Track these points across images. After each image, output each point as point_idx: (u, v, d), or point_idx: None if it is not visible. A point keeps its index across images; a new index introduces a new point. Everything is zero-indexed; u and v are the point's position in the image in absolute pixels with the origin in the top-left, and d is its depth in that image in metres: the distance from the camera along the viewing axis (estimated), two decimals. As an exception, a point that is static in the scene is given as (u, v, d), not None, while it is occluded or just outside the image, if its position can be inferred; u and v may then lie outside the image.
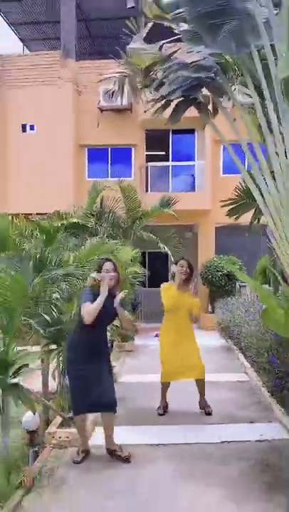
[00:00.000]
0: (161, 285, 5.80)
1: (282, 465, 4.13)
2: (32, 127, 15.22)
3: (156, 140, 15.40)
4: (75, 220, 6.20)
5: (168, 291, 5.68)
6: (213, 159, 14.89)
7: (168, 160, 15.76)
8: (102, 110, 15.23)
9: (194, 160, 15.59)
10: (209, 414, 5.63)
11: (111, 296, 4.30)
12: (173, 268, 5.86)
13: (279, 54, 4.14)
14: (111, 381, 4.49)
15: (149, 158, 15.76)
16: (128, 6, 15.41)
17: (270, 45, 4.28)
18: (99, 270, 4.36)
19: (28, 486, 3.85)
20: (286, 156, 4.22)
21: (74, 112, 15.22)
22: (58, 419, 5.16)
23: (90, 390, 4.27)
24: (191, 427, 5.25)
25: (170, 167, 15.67)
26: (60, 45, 16.25)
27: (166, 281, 6.82)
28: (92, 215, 11.55)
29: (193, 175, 16.00)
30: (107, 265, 4.36)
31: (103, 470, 4.21)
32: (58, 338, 5.21)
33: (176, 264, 5.81)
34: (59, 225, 5.83)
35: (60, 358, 5.46)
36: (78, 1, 16.09)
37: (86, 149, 15.77)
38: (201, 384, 5.72)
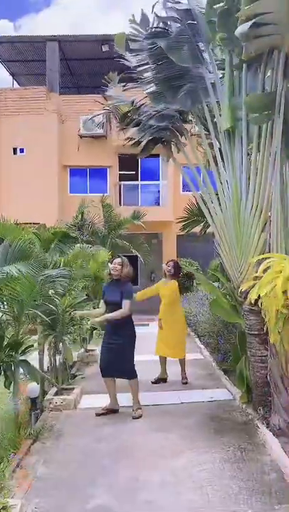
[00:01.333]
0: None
1: (225, 417, 4.80)
2: (22, 150, 15.58)
3: (127, 162, 16.00)
4: (65, 231, 6.71)
5: (158, 288, 6.33)
6: (175, 179, 15.63)
7: (138, 179, 16.42)
8: (81, 137, 15.73)
9: (159, 180, 16.31)
10: (185, 383, 6.19)
11: (118, 283, 4.97)
12: (163, 266, 6.44)
13: (222, 109, 4.80)
14: (127, 354, 4.94)
15: (122, 177, 16.37)
16: (103, 50, 16.03)
17: (217, 101, 4.97)
18: (111, 262, 5.13)
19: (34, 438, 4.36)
20: (227, 185, 4.88)
21: (58, 137, 15.66)
22: (54, 389, 5.66)
23: (110, 360, 4.89)
24: (161, 393, 5.85)
25: (139, 185, 16.35)
26: (45, 80, 16.69)
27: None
28: (75, 225, 12.06)
29: (158, 191, 16.72)
30: (115, 260, 5.05)
31: (93, 425, 4.76)
32: (53, 326, 5.72)
33: (166, 264, 6.38)
34: (52, 235, 6.30)
35: (53, 341, 5.97)
36: (61, 44, 16.51)
37: (68, 169, 16.23)
38: (181, 362, 6.31)
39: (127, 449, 4.07)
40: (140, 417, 4.88)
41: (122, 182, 16.31)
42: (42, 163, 15.23)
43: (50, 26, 49.23)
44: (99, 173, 16.33)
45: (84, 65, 18.24)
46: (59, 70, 16.65)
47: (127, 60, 5.34)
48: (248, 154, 4.76)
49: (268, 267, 3.11)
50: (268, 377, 4.28)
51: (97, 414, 4.98)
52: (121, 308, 4.90)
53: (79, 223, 12.45)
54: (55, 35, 16.40)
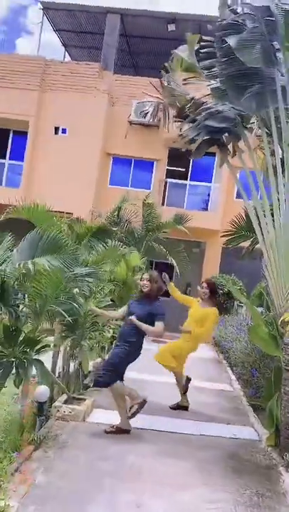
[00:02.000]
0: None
1: (246, 458, 4.96)
2: (64, 130, 16.20)
3: (178, 157, 16.26)
4: (101, 226, 7.13)
5: (190, 302, 6.77)
6: (229, 183, 15.74)
7: (186, 177, 16.68)
8: (131, 123, 16.18)
9: (211, 182, 16.50)
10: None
11: (147, 300, 5.41)
12: (198, 289, 6.73)
13: (290, 118, 4.98)
14: (115, 360, 5.35)
15: (169, 173, 16.69)
16: (169, 30, 16.48)
17: (285, 108, 5.17)
18: (141, 279, 5.67)
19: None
20: (285, 201, 5.06)
21: (105, 121, 16.18)
22: (63, 397, 5.99)
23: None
24: (178, 420, 6.06)
25: (188, 185, 16.60)
26: (99, 54, 17.31)
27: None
28: (110, 223, 12.47)
29: (209, 194, 16.92)
30: (144, 276, 5.62)
31: (100, 441, 5.05)
32: (73, 327, 6.05)
33: (200, 285, 6.68)
34: (87, 230, 6.70)
35: (70, 344, 6.31)
36: (122, 18, 17.06)
37: (111, 158, 16.71)
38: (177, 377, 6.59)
39: (133, 471, 4.32)
40: (112, 432, 5.26)
41: (169, 179, 16.61)
42: (84, 147, 15.75)
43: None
44: (144, 166, 16.73)
45: (145, 43, 18.78)
46: (117, 46, 17.22)
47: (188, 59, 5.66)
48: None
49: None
50: (300, 420, 4.42)
51: (106, 432, 5.27)
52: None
53: (115, 220, 12.86)
54: (117, 8, 16.96)
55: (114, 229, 10.17)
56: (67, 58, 20.99)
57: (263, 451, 5.13)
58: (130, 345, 5.35)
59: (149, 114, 15.30)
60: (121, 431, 5.32)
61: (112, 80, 16.62)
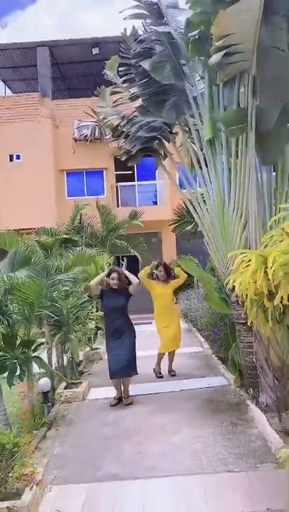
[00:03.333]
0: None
1: (220, 399, 5.46)
2: (18, 157, 16.22)
3: (123, 163, 16.53)
4: (66, 237, 7.42)
5: (153, 286, 6.86)
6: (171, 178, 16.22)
7: (134, 179, 17.06)
8: (76, 140, 16.37)
9: (155, 179, 16.95)
10: (174, 375, 6.88)
11: (118, 292, 5.73)
12: (155, 271, 7.02)
13: (204, 121, 5.44)
14: (134, 352, 5.71)
15: (119, 178, 17.01)
16: (94, 53, 16.70)
17: (199, 113, 5.61)
18: (108, 275, 5.86)
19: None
20: (212, 188, 5.52)
21: (53, 142, 16.31)
22: (63, 384, 6.33)
23: (116, 360, 5.56)
24: (162, 382, 6.53)
25: (136, 185, 16.99)
26: (36, 84, 17.34)
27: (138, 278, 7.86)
28: (74, 229, 12.72)
29: (156, 190, 17.36)
30: (113, 274, 5.78)
31: (100, 412, 5.43)
32: (59, 326, 6.38)
33: (156, 268, 6.95)
34: (54, 241, 6.97)
35: (59, 341, 6.63)
36: (51, 49, 17.13)
37: (65, 173, 16.88)
38: (173, 354, 6.97)
39: (131, 429, 4.74)
40: (132, 403, 5.62)
41: (119, 183, 16.95)
42: (38, 168, 15.86)
43: (38, 22, 49.60)
44: (95, 176, 16.98)
45: (75, 68, 18.89)
46: (51, 75, 17.30)
47: (115, 82, 5.98)
48: (231, 158, 5.39)
49: (242, 261, 3.75)
50: (255, 360, 4.93)
51: (112, 405, 5.64)
52: (124, 312, 5.77)
53: (77, 226, 13.12)
54: (45, 41, 17.01)
55: (77, 236, 10.44)
56: (8, 92, 20.85)
57: (233, 392, 5.64)
58: (133, 329, 5.79)
59: (88, 136, 15.74)
60: (119, 400, 5.72)
61: (52, 105, 16.73)
